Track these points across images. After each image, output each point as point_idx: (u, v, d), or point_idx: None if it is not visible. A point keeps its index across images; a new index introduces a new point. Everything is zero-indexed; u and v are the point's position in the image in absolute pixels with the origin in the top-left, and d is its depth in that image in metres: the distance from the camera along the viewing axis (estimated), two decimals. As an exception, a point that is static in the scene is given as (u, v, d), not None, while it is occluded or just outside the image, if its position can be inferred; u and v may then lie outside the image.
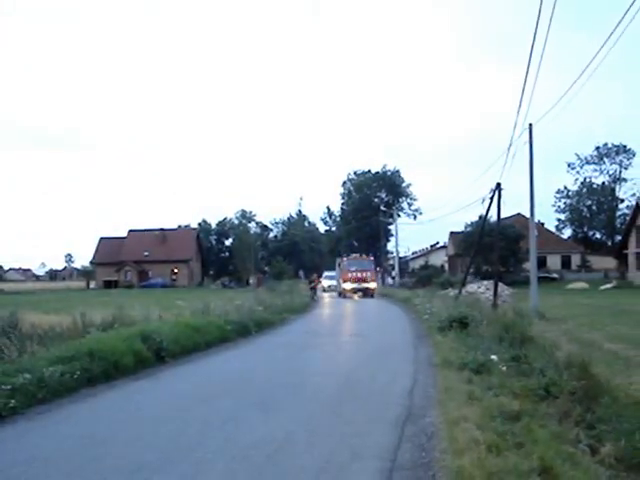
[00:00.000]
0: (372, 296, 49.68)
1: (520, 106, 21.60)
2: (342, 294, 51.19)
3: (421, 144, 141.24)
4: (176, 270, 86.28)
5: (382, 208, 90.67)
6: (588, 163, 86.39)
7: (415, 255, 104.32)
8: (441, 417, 8.20)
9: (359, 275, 50.91)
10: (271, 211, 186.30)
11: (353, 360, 14.84)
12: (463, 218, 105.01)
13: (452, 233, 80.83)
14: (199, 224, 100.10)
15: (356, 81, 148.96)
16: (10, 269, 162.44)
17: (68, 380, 10.29)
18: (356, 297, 49.13)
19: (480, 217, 45.35)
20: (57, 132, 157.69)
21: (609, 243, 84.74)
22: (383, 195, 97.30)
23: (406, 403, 9.40)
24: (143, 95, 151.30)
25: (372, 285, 51.46)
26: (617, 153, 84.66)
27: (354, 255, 58.48)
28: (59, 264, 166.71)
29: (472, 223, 63.09)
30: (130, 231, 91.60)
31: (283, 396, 10.20)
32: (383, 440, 7.31)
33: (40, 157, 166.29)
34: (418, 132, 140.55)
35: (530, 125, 26.77)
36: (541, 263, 56.56)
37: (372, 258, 55.99)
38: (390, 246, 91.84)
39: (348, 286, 50.72)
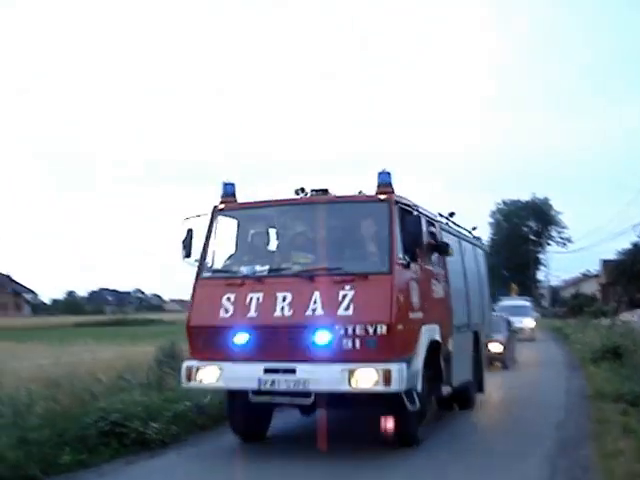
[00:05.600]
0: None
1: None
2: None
3: (571, 171, 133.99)
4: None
5: (531, 237, 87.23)
6: None
7: (566, 284, 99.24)
8: (596, 450, 7.69)
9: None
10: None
11: (502, 388, 14.34)
12: (615, 245, 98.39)
13: (604, 261, 76.28)
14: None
15: (504, 115, 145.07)
16: (170, 300, 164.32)
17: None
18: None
19: (634, 245, 42.50)
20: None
21: None
22: (532, 224, 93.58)
23: (558, 435, 8.91)
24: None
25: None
26: None
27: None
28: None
29: (625, 251, 59.30)
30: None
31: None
32: (536, 473, 6.94)
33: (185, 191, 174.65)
34: (567, 159, 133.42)
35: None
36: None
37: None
38: (540, 275, 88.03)
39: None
